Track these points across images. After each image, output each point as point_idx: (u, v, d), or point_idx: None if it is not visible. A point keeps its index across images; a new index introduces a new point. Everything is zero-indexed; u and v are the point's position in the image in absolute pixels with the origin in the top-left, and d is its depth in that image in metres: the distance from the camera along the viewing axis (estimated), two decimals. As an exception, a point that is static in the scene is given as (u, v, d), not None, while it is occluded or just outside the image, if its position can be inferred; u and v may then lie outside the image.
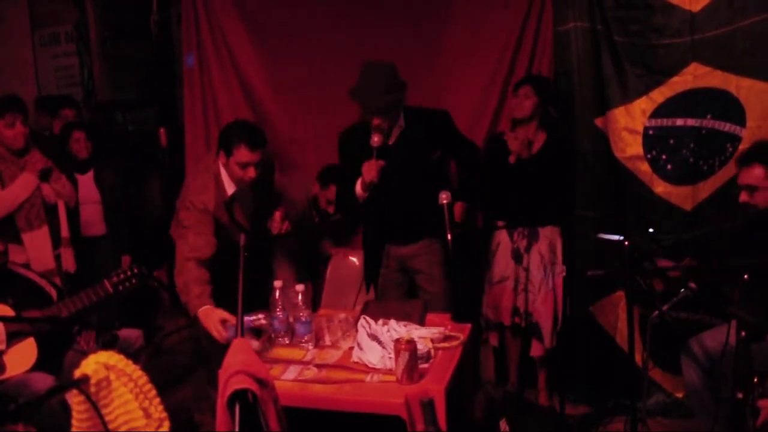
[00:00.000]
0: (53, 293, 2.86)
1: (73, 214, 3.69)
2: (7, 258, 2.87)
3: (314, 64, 3.91)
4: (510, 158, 3.22)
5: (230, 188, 2.92)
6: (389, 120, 2.92)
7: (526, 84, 3.29)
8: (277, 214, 3.01)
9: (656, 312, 2.46)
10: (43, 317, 2.66)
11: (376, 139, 2.85)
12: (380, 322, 2.39)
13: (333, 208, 3.51)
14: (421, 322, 2.57)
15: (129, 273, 2.82)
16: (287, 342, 2.54)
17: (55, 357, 2.73)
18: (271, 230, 3.01)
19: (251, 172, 2.80)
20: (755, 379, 2.26)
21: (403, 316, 2.53)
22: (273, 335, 2.56)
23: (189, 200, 2.89)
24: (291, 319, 2.55)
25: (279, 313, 2.53)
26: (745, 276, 2.14)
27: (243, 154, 2.77)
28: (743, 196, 2.61)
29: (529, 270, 3.36)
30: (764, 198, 2.54)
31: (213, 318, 2.58)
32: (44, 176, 3.29)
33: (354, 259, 3.68)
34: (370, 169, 2.86)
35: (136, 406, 1.54)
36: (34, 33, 5.17)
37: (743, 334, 1.76)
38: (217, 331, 2.56)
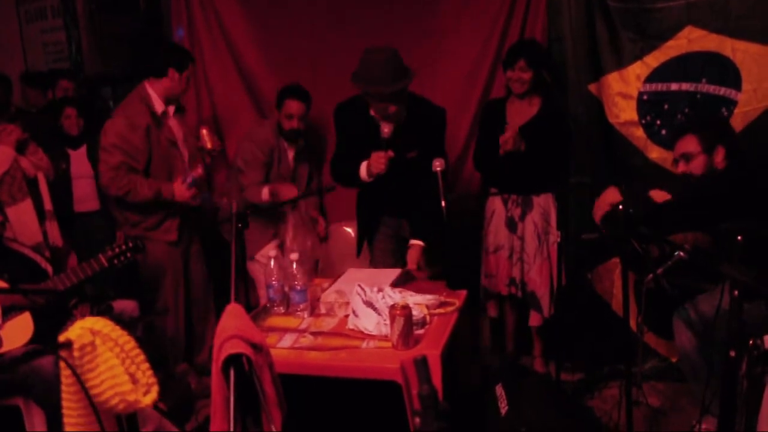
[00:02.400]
0: (48, 268, 2.85)
1: (65, 189, 3.67)
2: (4, 231, 2.85)
3: (306, 36, 3.86)
4: (500, 150, 3.19)
5: (159, 106, 3.30)
6: (402, 106, 2.85)
7: (521, 58, 3.20)
8: (204, 131, 3.24)
9: (650, 275, 2.46)
10: (38, 289, 2.65)
11: (386, 131, 2.80)
12: (375, 288, 2.40)
13: (296, 121, 3.48)
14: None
15: (124, 247, 2.81)
16: (283, 311, 2.55)
17: (52, 331, 2.73)
18: (204, 147, 3.27)
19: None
20: (750, 342, 2.27)
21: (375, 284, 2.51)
22: (269, 305, 2.57)
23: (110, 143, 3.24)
24: (286, 288, 2.55)
25: (274, 282, 2.54)
26: (739, 238, 2.14)
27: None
28: (681, 167, 2.71)
29: (524, 239, 3.36)
30: (699, 165, 2.64)
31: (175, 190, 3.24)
32: (20, 148, 3.25)
33: (349, 230, 3.68)
34: (379, 161, 2.82)
35: (122, 371, 1.52)
36: (18, 7, 5.09)
37: (736, 293, 1.76)
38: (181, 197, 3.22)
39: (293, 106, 3.48)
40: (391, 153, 2.82)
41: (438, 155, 2.76)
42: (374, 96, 2.81)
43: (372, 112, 2.90)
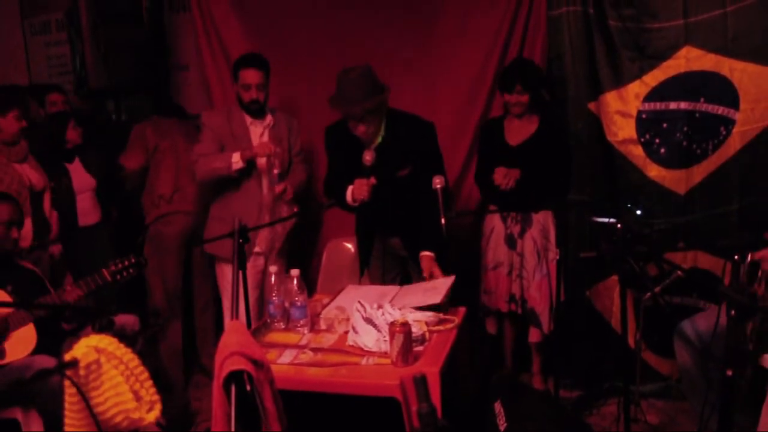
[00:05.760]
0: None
1: (70, 204, 3.68)
2: (18, 245, 2.87)
3: (304, 53, 3.88)
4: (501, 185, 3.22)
5: None
6: (374, 126, 2.83)
7: (516, 82, 3.24)
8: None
9: (648, 294, 2.48)
10: (41, 304, 2.67)
11: (368, 158, 2.77)
12: (375, 305, 2.41)
13: (254, 91, 3.29)
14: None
15: (127, 262, 2.82)
16: (283, 327, 2.56)
17: (55, 343, 2.74)
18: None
19: None
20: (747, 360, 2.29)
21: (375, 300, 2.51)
22: (269, 320, 2.58)
23: None
24: (286, 304, 2.56)
25: (274, 298, 2.54)
26: (736, 256, 2.16)
27: None
28: None
29: (524, 256, 3.37)
30: None
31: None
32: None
33: (349, 246, 3.69)
34: (362, 189, 2.79)
35: (126, 389, 1.53)
36: (23, 21, 5.13)
37: (733, 313, 1.77)
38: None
39: (249, 75, 3.28)
40: (373, 180, 2.78)
41: (436, 171, 2.75)
42: (349, 116, 2.80)
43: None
